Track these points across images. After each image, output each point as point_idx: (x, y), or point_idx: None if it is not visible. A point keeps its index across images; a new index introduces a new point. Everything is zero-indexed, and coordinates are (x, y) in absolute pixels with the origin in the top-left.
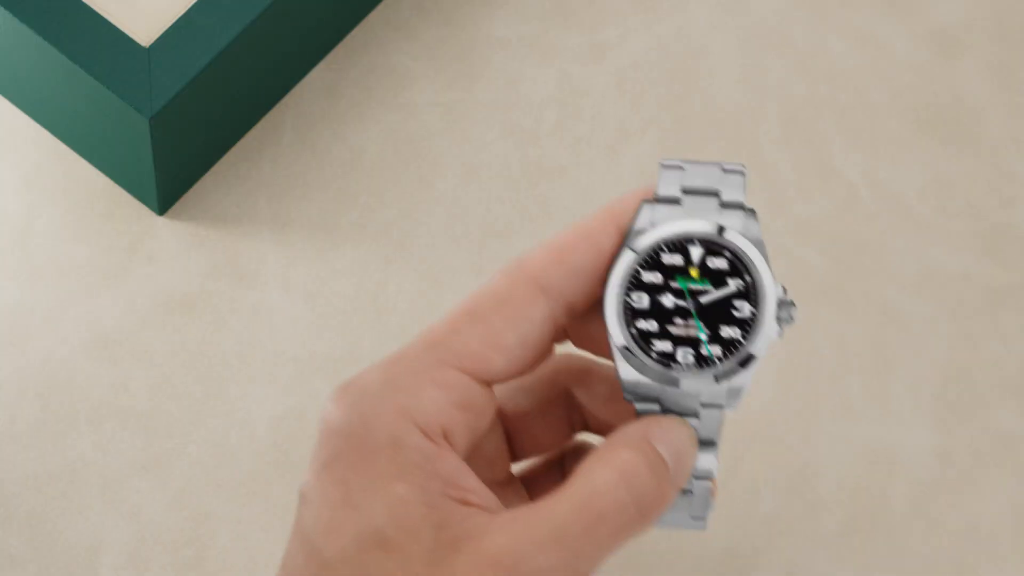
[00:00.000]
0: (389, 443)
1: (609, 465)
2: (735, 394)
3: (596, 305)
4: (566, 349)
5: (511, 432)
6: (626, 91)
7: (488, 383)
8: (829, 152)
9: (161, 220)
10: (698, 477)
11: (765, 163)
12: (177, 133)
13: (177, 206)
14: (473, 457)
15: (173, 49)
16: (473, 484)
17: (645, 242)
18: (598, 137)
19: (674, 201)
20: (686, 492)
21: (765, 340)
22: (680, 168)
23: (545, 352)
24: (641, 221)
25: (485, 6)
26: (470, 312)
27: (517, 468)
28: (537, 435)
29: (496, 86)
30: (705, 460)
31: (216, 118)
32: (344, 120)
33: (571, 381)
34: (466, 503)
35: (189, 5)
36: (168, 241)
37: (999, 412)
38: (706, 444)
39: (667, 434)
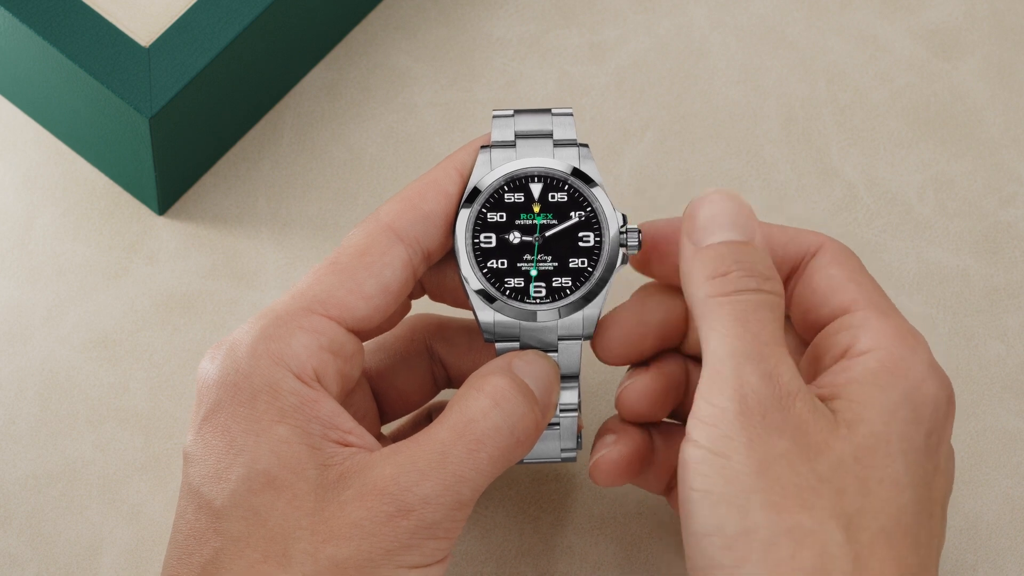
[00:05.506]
0: (266, 389)
1: (482, 392)
2: (589, 323)
3: (450, 253)
4: (422, 309)
5: (378, 392)
6: (626, 91)
7: (354, 331)
8: (829, 152)
9: (161, 220)
10: (563, 410)
11: (765, 163)
12: (177, 133)
13: (177, 206)
14: None
15: (173, 49)
16: (351, 426)
17: (486, 183)
18: (598, 137)
19: (510, 145)
20: (553, 425)
21: (611, 267)
22: (511, 116)
23: (405, 301)
24: (480, 166)
25: (485, 6)
26: (333, 263)
27: (389, 432)
28: (403, 392)
29: (496, 86)
30: (569, 395)
31: (216, 118)
32: (344, 120)
33: (429, 336)
34: (346, 444)
35: (189, 5)
36: (168, 241)
37: (999, 412)
38: (568, 378)
39: (529, 365)
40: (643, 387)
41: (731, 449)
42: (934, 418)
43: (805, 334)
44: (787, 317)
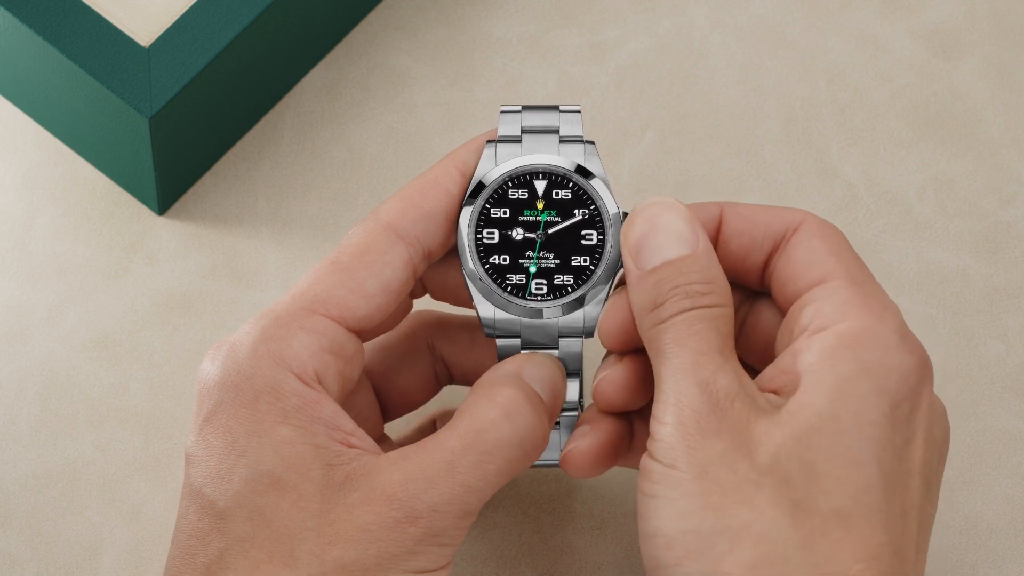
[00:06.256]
0: (268, 390)
1: (493, 402)
2: (590, 321)
3: (452, 251)
4: (422, 306)
5: (381, 392)
6: (626, 91)
7: (355, 331)
8: (829, 152)
9: (161, 220)
10: (565, 409)
11: (765, 163)
12: (177, 133)
13: (177, 206)
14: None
15: (173, 49)
16: (352, 427)
17: (491, 179)
18: (598, 137)
19: (515, 140)
20: (555, 426)
21: (613, 265)
22: (519, 112)
23: (405, 299)
24: (485, 160)
25: (485, 6)
26: (333, 263)
27: (395, 439)
28: (405, 391)
29: (496, 86)
30: (569, 391)
31: (216, 118)
32: (344, 120)
33: (431, 334)
34: (349, 445)
35: (189, 5)
36: (168, 241)
37: (999, 412)
38: (569, 376)
39: (539, 371)
40: (617, 378)
41: (675, 459)
42: (901, 387)
43: (784, 307)
44: (768, 293)
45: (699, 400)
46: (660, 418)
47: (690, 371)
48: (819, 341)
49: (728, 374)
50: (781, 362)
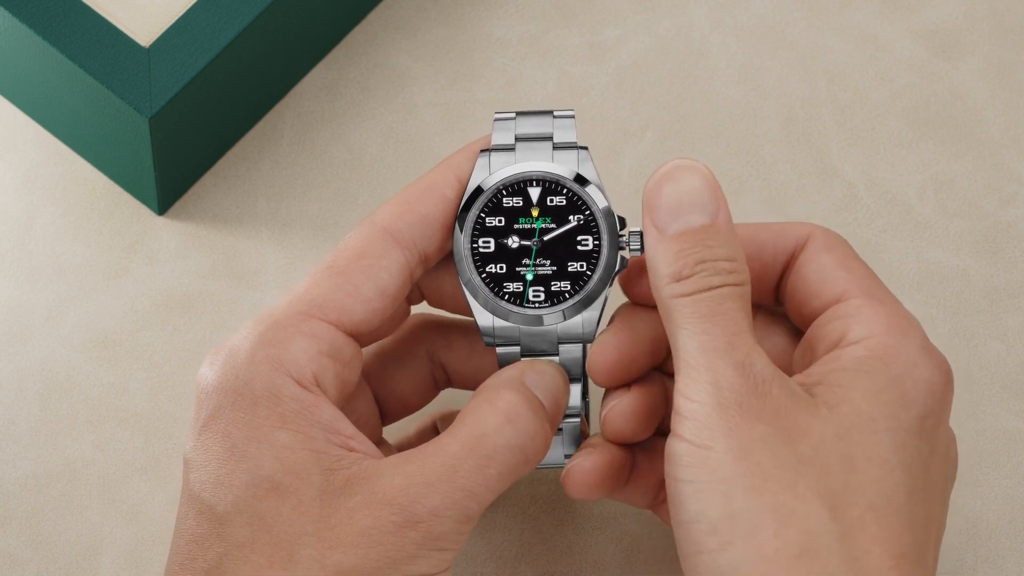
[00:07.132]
0: (266, 394)
1: (495, 407)
2: (589, 326)
3: (448, 258)
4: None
5: (379, 396)
6: (626, 91)
7: (353, 335)
8: (829, 152)
9: (161, 220)
10: (567, 415)
11: (765, 163)
12: (177, 133)
13: (177, 206)
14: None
15: (173, 49)
16: (352, 431)
17: (485, 187)
18: (598, 137)
19: (509, 148)
20: (558, 432)
21: (609, 270)
22: (513, 119)
23: (403, 305)
24: (479, 170)
25: (485, 6)
26: (330, 267)
27: (395, 441)
28: (404, 395)
29: (496, 86)
30: (572, 396)
31: (216, 118)
32: (344, 120)
33: (430, 339)
34: (349, 449)
35: (189, 5)
36: (168, 241)
37: (999, 412)
38: (572, 381)
39: (542, 377)
40: (627, 407)
41: (712, 440)
42: (928, 401)
43: (801, 325)
44: (781, 307)
45: (739, 381)
46: (689, 395)
47: (725, 351)
48: (850, 353)
49: (762, 356)
50: (812, 370)
